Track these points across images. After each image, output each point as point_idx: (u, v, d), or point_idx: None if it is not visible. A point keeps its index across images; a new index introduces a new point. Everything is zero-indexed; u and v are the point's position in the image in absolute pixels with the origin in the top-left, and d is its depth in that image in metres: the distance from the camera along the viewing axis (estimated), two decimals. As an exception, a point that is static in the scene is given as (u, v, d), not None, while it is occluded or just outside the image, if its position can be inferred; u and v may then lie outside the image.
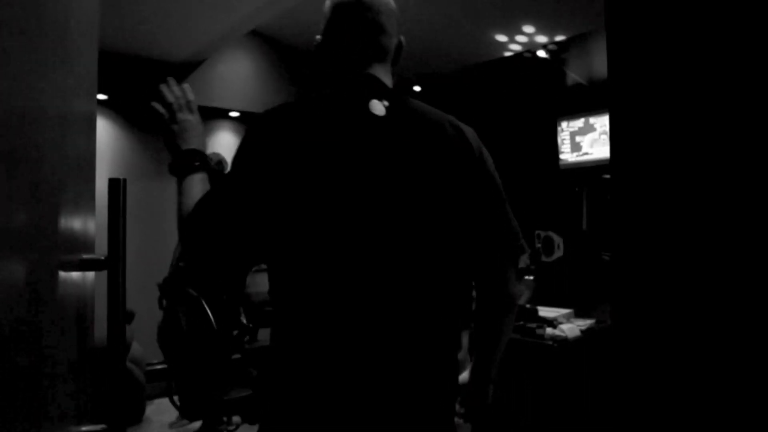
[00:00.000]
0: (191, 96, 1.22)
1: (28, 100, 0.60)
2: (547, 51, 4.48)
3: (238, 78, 4.98)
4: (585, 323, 3.20)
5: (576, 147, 4.56)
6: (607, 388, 2.83)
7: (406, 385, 0.99)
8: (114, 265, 0.80)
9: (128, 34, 4.09)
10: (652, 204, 0.95)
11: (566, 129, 4.61)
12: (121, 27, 3.91)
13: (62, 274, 0.71)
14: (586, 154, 4.51)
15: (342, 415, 0.96)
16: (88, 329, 0.88)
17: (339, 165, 0.98)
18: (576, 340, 3.01)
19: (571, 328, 3.06)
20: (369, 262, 0.98)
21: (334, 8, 1.12)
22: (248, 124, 1.01)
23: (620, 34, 1.00)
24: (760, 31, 0.84)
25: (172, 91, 1.21)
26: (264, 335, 3.93)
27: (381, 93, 1.06)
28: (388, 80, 1.11)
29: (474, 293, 1.20)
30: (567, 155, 4.62)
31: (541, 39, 4.33)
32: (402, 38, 1.17)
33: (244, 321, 3.27)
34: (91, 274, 0.88)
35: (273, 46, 5.13)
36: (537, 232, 3.87)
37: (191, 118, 1.20)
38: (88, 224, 0.87)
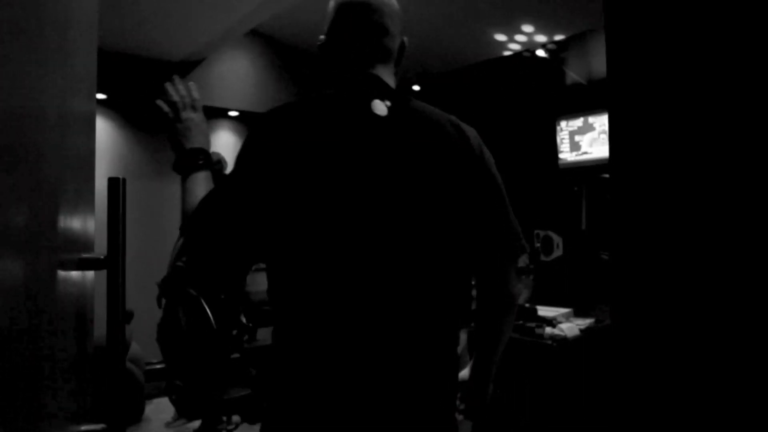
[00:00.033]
0: (196, 94, 1.23)
1: (27, 100, 0.60)
2: (547, 50, 4.48)
3: (237, 77, 4.98)
4: (584, 322, 3.21)
5: (575, 146, 4.56)
6: (607, 388, 2.83)
7: (408, 382, 0.99)
8: (113, 264, 0.80)
9: (127, 34, 4.09)
10: (652, 203, 0.95)
11: (565, 128, 4.61)
12: (121, 26, 3.91)
13: (62, 273, 0.71)
14: (586, 153, 4.51)
15: (344, 413, 0.96)
16: (87, 328, 0.88)
17: (340, 164, 0.99)
18: (575, 340, 3.01)
19: (571, 327, 3.06)
20: (370, 260, 0.98)
21: (339, 9, 1.13)
22: (251, 123, 1.02)
23: (619, 34, 1.00)
24: (759, 30, 0.84)
25: (177, 89, 1.22)
26: (263, 335, 3.93)
27: (383, 93, 1.07)
28: (390, 80, 1.12)
29: (474, 292, 1.21)
30: (566, 154, 4.62)
31: (541, 38, 4.33)
32: (405, 39, 1.17)
33: (244, 320, 3.27)
34: (90, 274, 0.88)
35: (272, 46, 5.13)
36: (536, 231, 3.88)
37: (195, 117, 1.21)
38: (88, 223, 0.87)
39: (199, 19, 3.90)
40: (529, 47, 4.49)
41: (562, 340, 2.96)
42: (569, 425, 2.90)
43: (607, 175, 4.11)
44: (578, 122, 4.53)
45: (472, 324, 2.58)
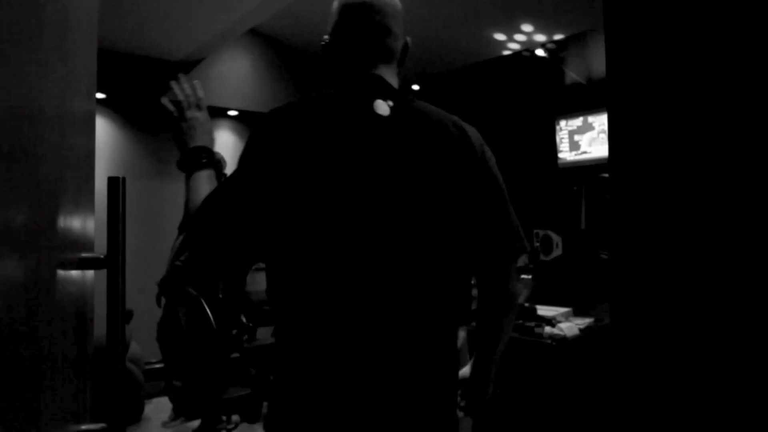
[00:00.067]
0: (201, 94, 1.24)
1: (27, 99, 0.60)
2: (546, 50, 4.48)
3: (236, 77, 4.98)
4: (584, 322, 3.21)
5: (574, 146, 4.56)
6: (606, 387, 2.84)
7: (408, 379, 1.00)
8: (113, 263, 0.80)
9: (127, 33, 4.09)
10: (651, 203, 0.96)
11: (565, 128, 4.61)
12: (120, 26, 3.91)
13: (62, 272, 0.71)
14: (585, 152, 4.51)
15: (345, 410, 0.97)
16: (87, 328, 0.88)
17: (342, 164, 0.99)
18: (575, 339, 3.01)
19: (570, 326, 3.06)
20: (371, 259, 0.99)
21: (342, 9, 1.13)
22: (252, 123, 1.04)
23: (619, 33, 1.00)
24: (758, 29, 0.84)
25: (182, 88, 1.23)
26: (262, 334, 3.93)
27: (386, 93, 1.07)
28: (393, 81, 1.12)
29: (473, 292, 1.22)
30: (565, 154, 4.62)
31: (540, 38, 4.33)
32: (408, 39, 1.18)
33: (244, 320, 3.27)
34: (90, 273, 0.88)
35: (272, 45, 5.13)
36: (535, 231, 3.88)
37: (200, 116, 1.22)
38: (88, 223, 0.87)
39: (199, 18, 3.90)
40: (529, 47, 4.49)
41: (561, 340, 2.97)
42: (569, 424, 2.90)
43: (606, 175, 4.11)
44: (577, 122, 4.53)
45: (473, 323, 2.58)
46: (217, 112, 4.98)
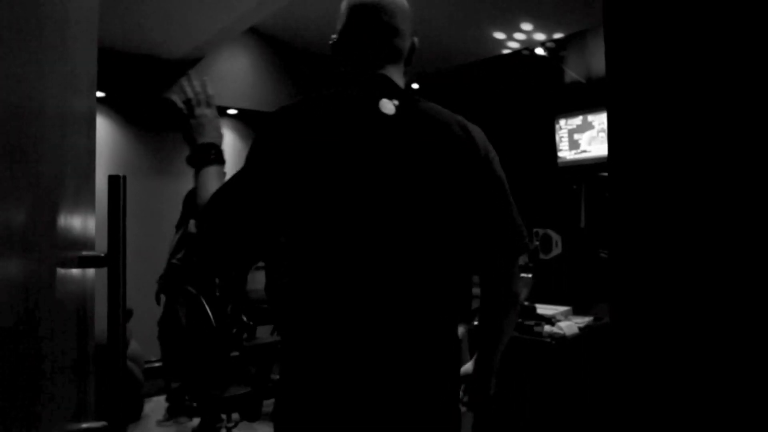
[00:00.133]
0: (210, 91, 1.26)
1: (28, 98, 0.60)
2: (546, 48, 4.48)
3: (236, 76, 4.98)
4: (583, 320, 3.21)
5: (574, 145, 4.56)
6: (606, 385, 2.84)
7: (412, 374, 1.02)
8: (114, 262, 0.80)
9: (126, 32, 4.09)
10: (650, 201, 0.96)
11: (564, 127, 4.62)
12: (120, 24, 3.91)
13: (62, 271, 0.71)
14: (584, 151, 4.51)
15: (350, 404, 0.99)
16: (88, 327, 0.88)
17: (347, 162, 1.01)
18: (574, 338, 3.02)
19: (570, 325, 3.06)
20: (374, 256, 1.01)
21: (351, 10, 1.15)
22: (259, 120, 1.06)
23: (618, 32, 1.00)
24: (758, 29, 0.84)
25: (192, 85, 1.25)
26: (262, 333, 3.94)
27: (392, 92, 1.09)
28: (400, 80, 1.14)
29: (474, 291, 1.23)
30: (565, 153, 4.62)
31: (540, 36, 4.33)
32: (415, 39, 1.20)
33: (245, 319, 3.28)
34: (91, 272, 0.88)
35: (271, 44, 5.13)
36: (535, 229, 3.88)
37: (208, 113, 1.24)
38: (88, 221, 0.87)
39: (198, 17, 3.90)
40: (528, 45, 4.49)
41: (561, 339, 2.97)
42: (570, 423, 2.91)
43: (605, 174, 4.11)
44: (577, 120, 4.53)
45: (473, 322, 2.59)
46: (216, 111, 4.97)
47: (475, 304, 1.24)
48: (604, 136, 4.36)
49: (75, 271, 0.79)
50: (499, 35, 4.40)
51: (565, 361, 2.95)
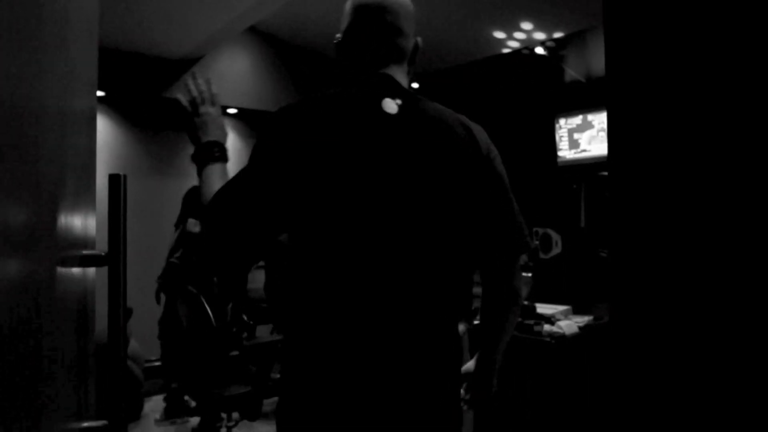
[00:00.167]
0: (215, 90, 1.27)
1: (28, 99, 0.60)
2: (546, 48, 4.48)
3: (235, 75, 4.97)
4: (583, 320, 3.21)
5: (574, 144, 4.56)
6: (606, 384, 2.84)
7: (414, 372, 1.03)
8: (114, 261, 0.80)
9: (126, 31, 4.09)
10: (650, 201, 0.96)
11: (564, 126, 4.61)
12: (119, 24, 3.91)
13: (63, 270, 0.71)
14: (584, 151, 4.51)
15: (352, 401, 0.99)
16: (89, 326, 0.88)
17: (350, 161, 1.02)
18: (574, 337, 3.02)
19: (569, 324, 3.06)
20: (376, 255, 1.02)
21: (355, 10, 1.16)
22: (262, 120, 1.07)
23: (618, 31, 1.00)
24: (757, 28, 0.84)
25: (196, 84, 1.26)
26: (261, 332, 3.94)
27: (394, 92, 1.10)
28: (403, 80, 1.15)
29: (475, 291, 1.24)
30: (565, 152, 4.62)
31: (539, 36, 4.33)
32: (419, 39, 1.21)
33: (245, 318, 3.28)
34: (91, 271, 0.88)
35: (271, 43, 5.12)
36: (535, 229, 3.88)
37: (213, 111, 1.25)
38: (89, 221, 0.87)
39: (198, 16, 3.90)
40: (528, 45, 4.49)
41: (560, 338, 2.97)
42: (570, 422, 2.91)
43: (605, 173, 4.11)
44: (577, 120, 4.53)
45: (474, 321, 2.59)
46: (217, 110, 4.96)
47: (476, 303, 1.24)
48: (603, 135, 4.36)
49: (75, 270, 0.79)
50: (499, 34, 4.40)
51: (565, 360, 2.95)
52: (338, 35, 1.19)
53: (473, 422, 2.73)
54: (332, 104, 1.06)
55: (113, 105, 4.64)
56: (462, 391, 1.25)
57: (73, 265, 0.76)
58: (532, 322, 3.05)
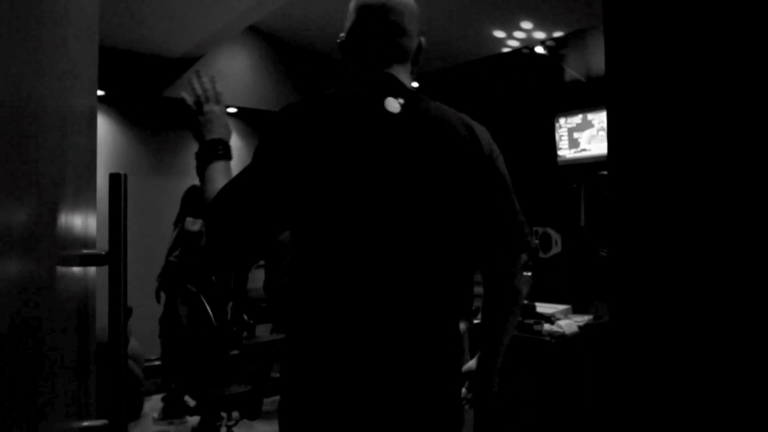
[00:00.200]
0: (219, 88, 1.28)
1: (28, 98, 0.60)
2: (545, 47, 4.48)
3: (235, 74, 4.97)
4: (583, 319, 3.21)
5: (574, 143, 4.56)
6: (606, 384, 2.85)
7: (415, 370, 1.03)
8: (115, 260, 0.80)
9: (126, 30, 4.09)
10: (650, 200, 0.96)
11: (564, 125, 4.61)
12: (119, 23, 3.91)
13: (63, 269, 0.71)
14: (584, 150, 4.51)
15: (354, 399, 1.00)
16: (89, 325, 0.88)
17: (352, 160, 1.02)
18: (574, 336, 3.02)
19: (569, 324, 3.07)
20: (378, 253, 1.02)
21: (359, 10, 1.16)
22: (270, 117, 1.09)
23: (618, 31, 1.00)
24: (757, 28, 0.84)
25: (201, 83, 1.27)
26: (261, 331, 3.94)
27: (397, 91, 1.11)
28: (406, 79, 1.16)
29: (476, 290, 1.25)
30: (565, 151, 4.62)
31: (539, 35, 4.33)
32: (422, 39, 1.22)
33: (245, 317, 3.28)
34: (92, 270, 0.88)
35: (271, 43, 5.12)
36: (534, 228, 3.88)
37: (217, 109, 1.26)
38: (89, 220, 0.87)
39: (198, 15, 3.90)
40: (528, 44, 4.49)
41: (560, 337, 2.97)
42: (570, 421, 2.91)
43: (605, 172, 4.11)
44: (577, 119, 4.53)
45: (474, 321, 2.59)
46: (216, 110, 4.96)
47: (477, 302, 1.25)
48: (603, 134, 4.36)
49: (76, 270, 0.79)
50: (499, 34, 4.40)
51: (565, 359, 2.95)
52: (342, 34, 1.19)
53: (473, 422, 2.73)
54: (335, 103, 1.07)
55: (113, 104, 4.64)
56: (464, 390, 1.25)
57: (73, 265, 0.77)
58: (532, 321, 3.05)
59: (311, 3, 4.17)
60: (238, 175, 1.07)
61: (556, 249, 3.78)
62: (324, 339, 1.02)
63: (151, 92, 4.60)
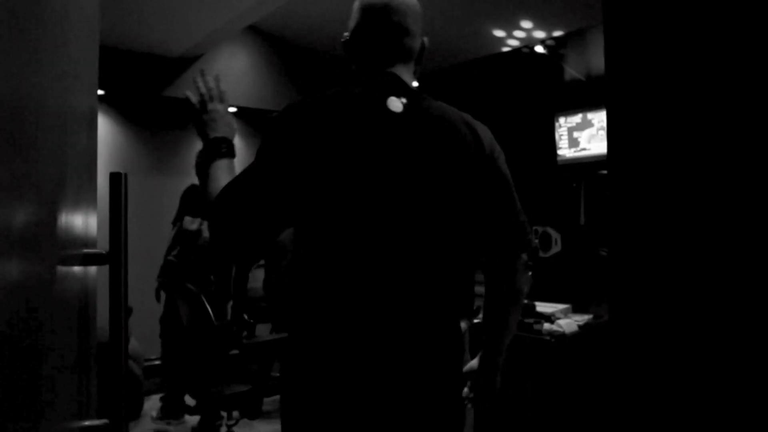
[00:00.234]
0: (223, 86, 1.30)
1: (28, 98, 0.60)
2: (545, 46, 4.48)
3: (235, 74, 4.97)
4: (582, 318, 3.21)
5: (574, 143, 4.56)
6: (606, 383, 2.85)
7: (416, 370, 1.04)
8: (116, 259, 0.80)
9: (125, 30, 4.08)
10: (650, 199, 0.96)
11: (564, 125, 4.61)
12: (119, 22, 3.90)
13: (64, 269, 0.71)
14: (584, 149, 4.51)
15: (353, 401, 1.00)
16: (90, 324, 0.88)
17: (354, 159, 1.03)
18: (574, 336, 3.02)
19: (569, 323, 3.07)
20: (380, 251, 1.03)
21: (363, 9, 1.17)
22: (272, 116, 1.10)
23: (618, 30, 1.01)
24: (756, 28, 0.84)
25: (205, 82, 1.28)
26: (261, 331, 3.93)
27: (400, 91, 1.11)
28: (409, 79, 1.17)
29: (477, 290, 1.25)
30: (565, 151, 4.62)
31: (539, 34, 4.33)
32: (425, 39, 1.22)
33: (246, 317, 3.28)
34: (93, 269, 0.88)
35: (270, 42, 5.12)
36: (534, 227, 3.88)
37: (221, 108, 1.28)
38: (90, 220, 0.87)
39: (198, 15, 3.90)
40: (528, 43, 4.49)
41: (560, 336, 2.97)
42: (570, 421, 2.91)
43: (605, 172, 4.10)
44: (577, 118, 4.53)
45: (475, 320, 2.59)
46: (216, 109, 4.95)
47: (479, 302, 1.25)
48: (603, 134, 4.36)
49: (77, 269, 0.79)
50: (499, 33, 4.40)
51: (565, 359, 2.95)
52: (346, 34, 1.20)
53: (474, 422, 2.73)
54: (338, 102, 1.08)
55: (112, 103, 4.64)
56: (466, 389, 1.26)
57: (74, 264, 0.77)
58: (531, 320, 3.05)
59: (311, 2, 4.17)
60: (242, 173, 1.08)
61: (555, 248, 3.78)
62: (326, 337, 1.02)
63: (151, 92, 4.60)
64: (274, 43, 5.14)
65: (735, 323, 0.86)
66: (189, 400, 3.49)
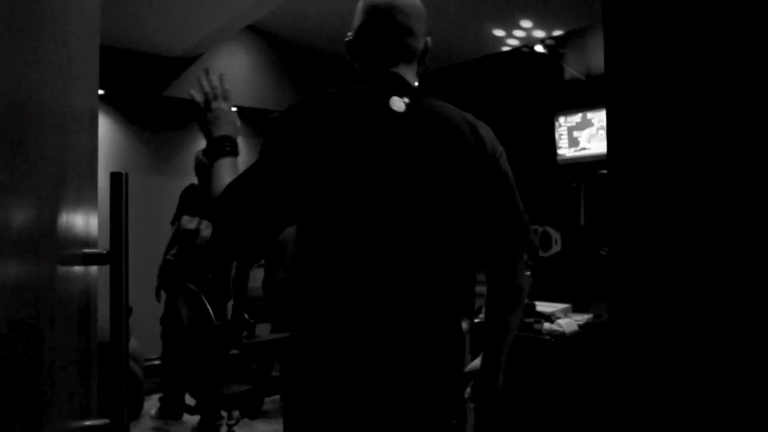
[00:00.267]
0: (227, 85, 1.31)
1: (29, 97, 0.60)
2: (545, 46, 4.48)
3: (235, 73, 4.97)
4: (582, 318, 3.21)
5: (573, 142, 4.56)
6: (606, 382, 2.85)
7: (417, 369, 1.04)
8: (116, 259, 0.80)
9: (125, 29, 4.08)
10: (649, 199, 0.96)
11: (564, 124, 4.61)
12: (118, 22, 3.90)
13: (65, 269, 0.71)
14: (584, 149, 4.51)
15: (354, 400, 1.01)
16: (90, 324, 0.88)
17: (357, 158, 1.04)
18: (574, 335, 3.02)
19: (569, 322, 3.07)
20: (381, 251, 1.03)
21: (367, 10, 1.18)
22: (274, 115, 1.10)
23: (617, 30, 1.01)
24: (755, 28, 0.84)
25: (209, 81, 1.29)
26: (260, 331, 3.94)
27: (402, 90, 1.12)
28: (412, 79, 1.18)
29: (478, 290, 1.25)
30: (564, 150, 4.62)
31: (539, 34, 4.33)
32: (429, 39, 1.23)
33: (246, 317, 3.28)
34: (93, 269, 0.88)
35: (270, 42, 5.12)
36: (534, 227, 3.88)
37: (224, 107, 1.28)
38: (91, 219, 0.87)
39: (198, 14, 3.90)
40: (528, 43, 4.49)
41: (560, 336, 2.97)
42: (570, 420, 2.91)
43: (605, 171, 4.10)
44: (576, 118, 4.53)
45: (475, 320, 2.59)
46: (216, 109, 4.95)
47: (480, 301, 1.25)
48: (603, 133, 4.36)
49: (78, 269, 0.79)
50: (499, 32, 4.40)
51: (565, 358, 2.95)
52: (350, 34, 1.21)
53: (474, 422, 2.73)
54: (341, 102, 1.08)
55: (112, 103, 4.64)
56: (468, 389, 1.26)
57: (74, 264, 0.77)
58: (531, 320, 3.05)
59: (311, 2, 4.17)
60: (245, 171, 1.09)
61: (555, 248, 3.78)
62: (327, 336, 1.02)
63: (151, 91, 4.60)
64: (273, 43, 5.14)
65: (734, 322, 0.86)
66: (189, 400, 3.49)
